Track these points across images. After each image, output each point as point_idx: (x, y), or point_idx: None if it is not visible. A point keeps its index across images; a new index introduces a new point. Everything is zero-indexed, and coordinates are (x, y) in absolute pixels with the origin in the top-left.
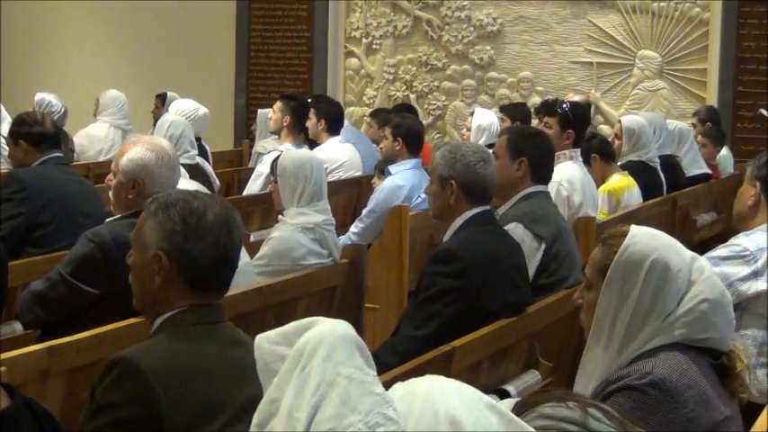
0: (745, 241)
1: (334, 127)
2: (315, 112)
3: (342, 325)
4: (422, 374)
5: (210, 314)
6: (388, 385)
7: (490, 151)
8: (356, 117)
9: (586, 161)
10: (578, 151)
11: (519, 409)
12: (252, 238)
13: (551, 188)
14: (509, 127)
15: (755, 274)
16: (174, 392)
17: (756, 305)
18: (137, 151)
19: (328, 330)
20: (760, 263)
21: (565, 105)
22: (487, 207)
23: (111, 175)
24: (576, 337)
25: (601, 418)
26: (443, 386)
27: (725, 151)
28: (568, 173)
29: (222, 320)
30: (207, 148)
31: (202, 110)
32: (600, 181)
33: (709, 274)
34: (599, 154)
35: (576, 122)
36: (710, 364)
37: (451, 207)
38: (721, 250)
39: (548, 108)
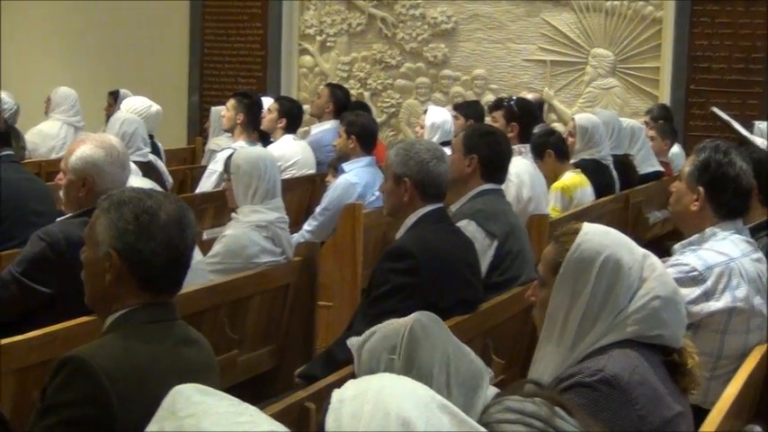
0: (692, 260)
1: (292, 125)
2: (277, 109)
3: None
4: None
5: (162, 313)
6: (341, 383)
7: (445, 149)
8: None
9: (540, 156)
10: (527, 146)
11: (493, 400)
12: (205, 236)
13: None
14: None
15: (706, 295)
16: (125, 392)
17: (711, 322)
18: (86, 149)
19: None
20: (710, 282)
21: (512, 100)
22: (441, 205)
23: (60, 174)
24: (528, 334)
25: (565, 417)
26: (395, 386)
27: (677, 149)
28: (517, 167)
29: (174, 319)
30: (160, 145)
31: (155, 107)
32: (552, 178)
33: (661, 271)
34: (554, 151)
35: (521, 116)
36: (662, 360)
37: (405, 204)
38: (669, 270)
39: (496, 103)
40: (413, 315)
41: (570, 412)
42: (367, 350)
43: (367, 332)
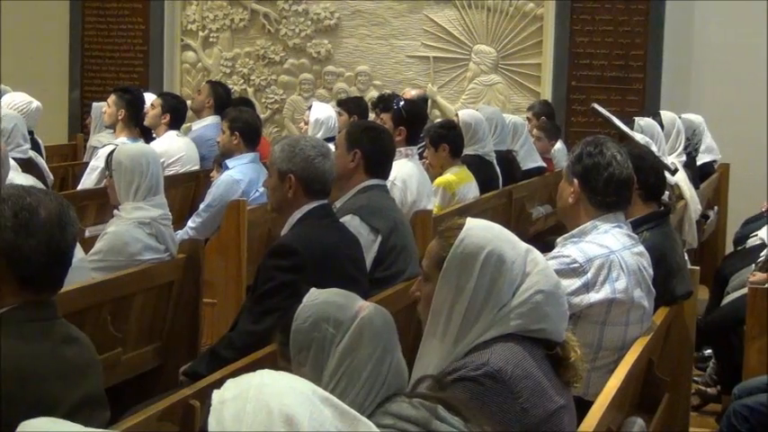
0: (573, 252)
1: (176, 121)
2: (160, 104)
3: None
4: (261, 369)
5: (43, 311)
6: (223, 381)
7: (329, 145)
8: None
9: (435, 147)
10: (414, 149)
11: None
12: (87, 234)
13: None
14: (354, 120)
15: (586, 287)
16: (6, 394)
17: (591, 313)
18: None
19: None
20: (590, 274)
21: (400, 103)
22: (325, 201)
23: None
24: (413, 329)
25: (446, 417)
26: (275, 382)
27: (559, 145)
28: (403, 171)
29: (55, 318)
30: (40, 142)
31: (35, 103)
32: (439, 172)
33: (544, 266)
34: (450, 146)
35: (409, 120)
36: (545, 354)
37: (290, 201)
38: (551, 262)
39: (384, 104)
40: (368, 303)
41: (455, 410)
42: (311, 313)
43: (319, 292)
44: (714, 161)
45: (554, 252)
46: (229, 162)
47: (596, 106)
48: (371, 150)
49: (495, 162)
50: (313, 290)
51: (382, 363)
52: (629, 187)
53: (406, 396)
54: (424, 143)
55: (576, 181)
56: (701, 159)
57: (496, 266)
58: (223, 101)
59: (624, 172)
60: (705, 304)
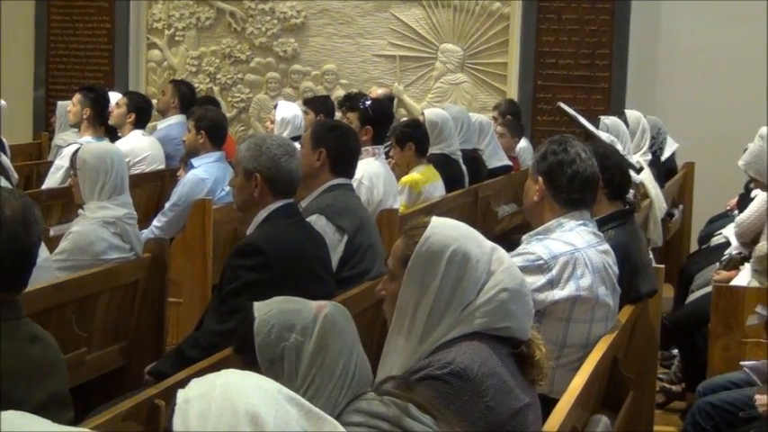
0: (538, 249)
1: (141, 120)
2: (126, 103)
3: None
4: (226, 368)
5: (7, 311)
6: (189, 381)
7: (296, 144)
8: None
9: (401, 146)
10: (381, 148)
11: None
12: (52, 233)
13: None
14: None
15: (551, 283)
16: None
17: (555, 310)
18: None
19: None
20: (555, 271)
21: (367, 102)
22: (291, 200)
23: None
24: (379, 328)
25: (417, 416)
26: (241, 382)
27: (525, 143)
28: (369, 170)
29: (20, 317)
30: (4, 140)
31: (0, 102)
32: (405, 171)
33: (509, 264)
34: (416, 145)
35: (376, 120)
36: (510, 352)
37: (256, 200)
38: (516, 258)
39: (350, 103)
40: (324, 302)
41: (425, 409)
42: (272, 324)
43: (267, 303)
44: (673, 153)
45: (519, 249)
46: (195, 161)
47: (562, 105)
48: (337, 149)
49: (461, 161)
50: (258, 304)
51: (351, 357)
52: (593, 185)
53: (375, 393)
54: (390, 142)
55: (540, 179)
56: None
57: (461, 265)
58: (188, 99)
59: (588, 170)
60: (670, 302)
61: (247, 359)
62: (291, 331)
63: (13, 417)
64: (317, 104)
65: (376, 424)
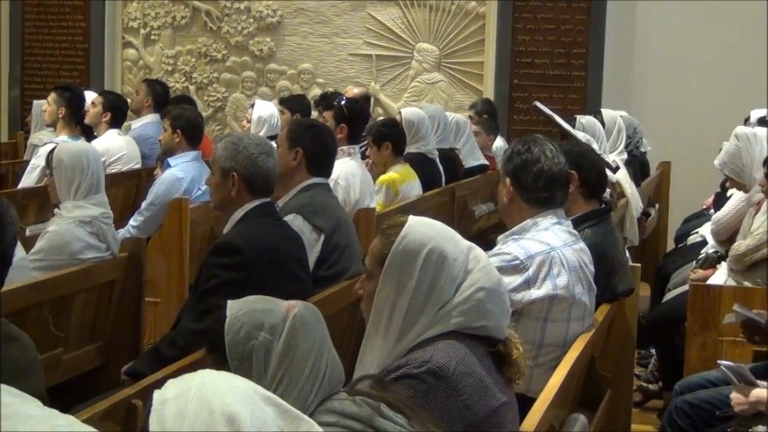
0: (514, 249)
1: (117, 120)
2: (101, 102)
3: None
4: (203, 368)
5: None
6: (165, 381)
7: (273, 144)
8: None
9: (378, 146)
10: (356, 147)
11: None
12: (28, 232)
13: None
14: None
15: (527, 283)
16: None
17: (532, 310)
18: None
19: None
20: (531, 270)
21: (343, 101)
22: (268, 199)
23: None
24: (356, 327)
25: (389, 415)
26: (217, 382)
27: (501, 142)
28: (346, 170)
29: None
30: None
31: None
32: (382, 170)
33: (486, 263)
34: (393, 144)
35: (351, 118)
36: (487, 351)
37: (233, 199)
38: (492, 259)
39: (326, 102)
40: (295, 301)
41: (397, 408)
42: (242, 323)
43: (239, 302)
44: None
45: (495, 249)
46: (171, 160)
47: (538, 104)
48: (313, 149)
49: (437, 160)
50: (231, 302)
51: (321, 356)
52: (561, 183)
53: (347, 393)
54: (366, 141)
55: (508, 180)
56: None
57: (438, 264)
58: (162, 98)
59: (555, 168)
60: (647, 301)
61: (218, 358)
62: (260, 330)
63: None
64: (293, 104)
65: (348, 424)
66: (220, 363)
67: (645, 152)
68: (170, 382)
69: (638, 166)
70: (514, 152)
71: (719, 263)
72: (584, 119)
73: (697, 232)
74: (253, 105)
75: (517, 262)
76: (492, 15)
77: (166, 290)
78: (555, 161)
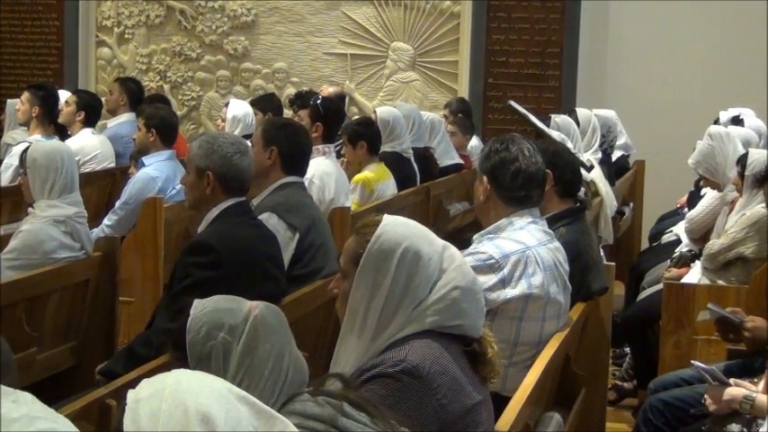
0: (489, 248)
1: (91, 119)
2: (75, 101)
3: None
4: (176, 368)
5: None
6: (140, 380)
7: (248, 143)
8: None
9: (353, 144)
10: (332, 146)
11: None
12: (1, 232)
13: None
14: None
15: (503, 282)
16: None
17: (507, 309)
18: None
19: None
20: (506, 270)
21: (318, 100)
22: (243, 198)
23: None
24: (331, 326)
25: (352, 414)
26: (191, 381)
27: (476, 141)
28: (321, 169)
29: None
30: None
31: None
32: (357, 169)
33: (461, 262)
34: (368, 143)
35: (326, 117)
36: (462, 350)
37: (208, 198)
38: (467, 258)
39: (301, 101)
40: (257, 302)
41: (360, 407)
42: (203, 323)
43: (204, 301)
44: (627, 155)
45: (470, 249)
46: (146, 159)
47: (513, 103)
48: (288, 147)
49: (412, 159)
50: (197, 301)
51: (282, 358)
52: (538, 182)
53: (310, 394)
54: (341, 141)
55: (485, 178)
56: (616, 155)
57: (413, 263)
58: (136, 95)
59: (532, 167)
60: (621, 300)
61: (180, 356)
62: (220, 330)
63: None
64: (264, 103)
65: (310, 425)
66: (182, 361)
67: (618, 157)
68: (144, 382)
69: (612, 166)
70: (492, 150)
71: (693, 261)
72: (558, 118)
73: (671, 231)
74: (227, 104)
75: (492, 261)
76: (466, 15)
77: (141, 289)
78: (532, 160)
